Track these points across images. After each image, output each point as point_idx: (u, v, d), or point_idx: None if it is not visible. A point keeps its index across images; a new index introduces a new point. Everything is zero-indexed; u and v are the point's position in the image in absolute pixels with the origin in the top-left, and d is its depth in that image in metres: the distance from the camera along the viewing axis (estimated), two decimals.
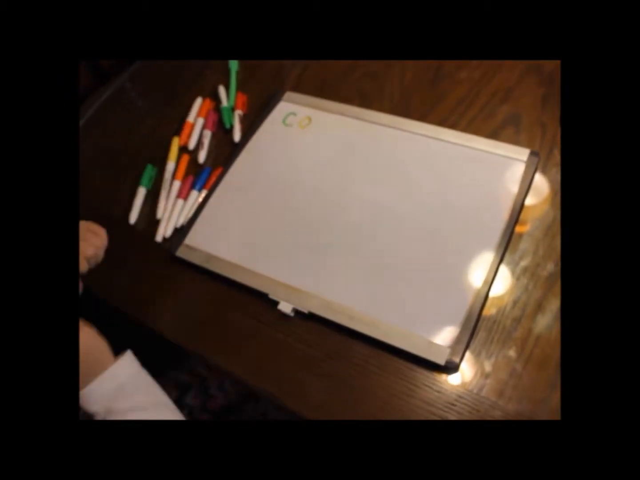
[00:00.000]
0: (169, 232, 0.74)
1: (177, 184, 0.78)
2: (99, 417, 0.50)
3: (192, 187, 0.77)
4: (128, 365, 0.54)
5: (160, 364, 0.80)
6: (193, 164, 0.80)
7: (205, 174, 0.78)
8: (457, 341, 0.58)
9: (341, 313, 0.62)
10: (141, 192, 0.78)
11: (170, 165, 0.80)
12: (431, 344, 0.59)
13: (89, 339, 0.54)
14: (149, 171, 0.79)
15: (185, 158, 0.80)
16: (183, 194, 0.76)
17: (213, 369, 0.83)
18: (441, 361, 0.57)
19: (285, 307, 0.63)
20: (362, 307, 0.62)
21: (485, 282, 0.61)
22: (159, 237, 0.73)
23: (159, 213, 0.76)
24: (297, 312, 0.63)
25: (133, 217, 0.76)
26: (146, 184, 0.78)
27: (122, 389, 0.51)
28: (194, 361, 0.79)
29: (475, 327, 0.59)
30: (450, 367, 0.57)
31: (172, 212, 0.75)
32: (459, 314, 0.60)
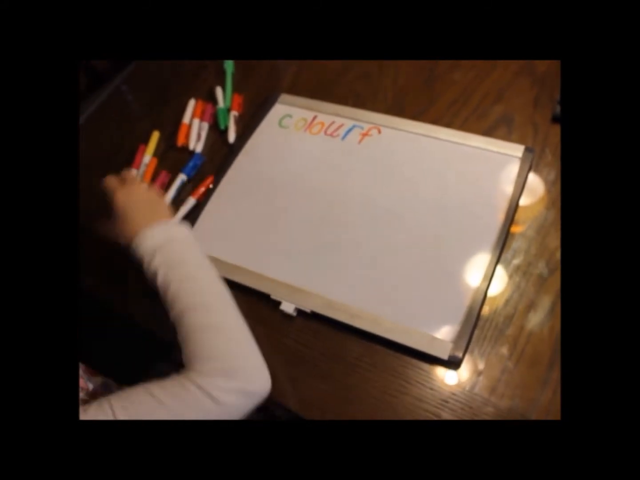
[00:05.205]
0: None
1: None
2: (146, 260, 0.58)
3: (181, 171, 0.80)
4: (183, 228, 0.61)
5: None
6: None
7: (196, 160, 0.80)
8: (459, 336, 0.59)
9: (343, 311, 0.63)
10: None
11: (146, 158, 0.82)
12: (434, 339, 0.60)
13: (156, 193, 0.64)
14: None
15: (154, 162, 0.82)
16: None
17: None
18: (444, 356, 0.59)
19: (288, 307, 0.65)
20: (363, 305, 0.63)
21: (485, 277, 0.62)
22: None
23: None
24: (299, 311, 0.65)
25: None
26: None
27: (171, 240, 0.59)
28: None
29: (477, 322, 0.61)
30: (454, 362, 0.59)
31: None
32: (459, 310, 0.61)
